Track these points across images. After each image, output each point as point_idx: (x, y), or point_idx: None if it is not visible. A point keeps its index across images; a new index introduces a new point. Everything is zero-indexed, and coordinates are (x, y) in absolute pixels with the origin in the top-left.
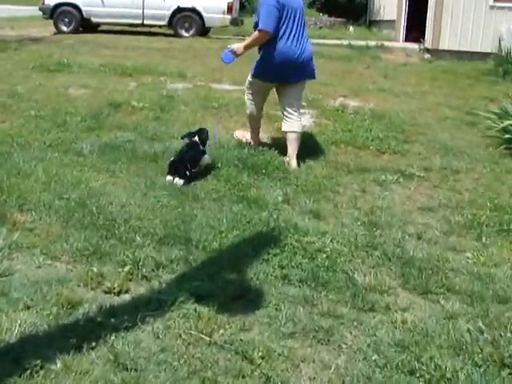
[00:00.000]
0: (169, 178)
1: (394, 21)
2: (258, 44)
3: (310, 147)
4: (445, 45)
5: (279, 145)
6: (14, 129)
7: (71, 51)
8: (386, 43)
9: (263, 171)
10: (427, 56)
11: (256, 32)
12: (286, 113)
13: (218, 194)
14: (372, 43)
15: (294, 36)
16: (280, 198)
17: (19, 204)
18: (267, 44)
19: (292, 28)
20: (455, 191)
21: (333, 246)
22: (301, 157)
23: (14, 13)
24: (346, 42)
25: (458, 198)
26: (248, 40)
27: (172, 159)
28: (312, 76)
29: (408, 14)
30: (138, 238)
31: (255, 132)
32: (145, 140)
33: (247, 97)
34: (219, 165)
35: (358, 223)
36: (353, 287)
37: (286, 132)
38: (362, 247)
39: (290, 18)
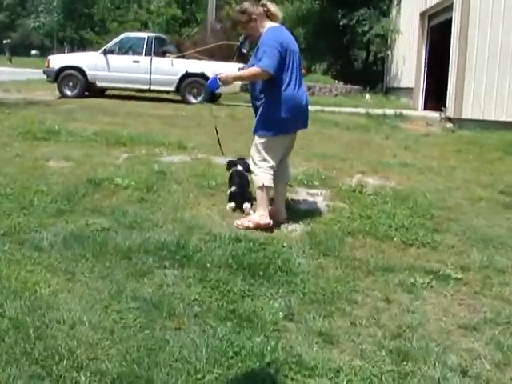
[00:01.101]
0: (231, 205)
1: (411, 88)
2: (251, 80)
3: (321, 240)
4: (468, 113)
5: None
6: None
7: (67, 117)
8: (405, 111)
9: (262, 273)
10: (449, 125)
11: (255, 68)
12: (282, 165)
13: (202, 307)
14: (390, 112)
15: (297, 81)
16: (281, 314)
17: None
18: (273, 93)
19: (295, 73)
20: (503, 300)
21: None
22: (310, 253)
23: (30, 75)
24: (362, 111)
25: (508, 311)
26: (242, 72)
27: (234, 190)
28: (307, 124)
29: (427, 81)
30: (83, 377)
31: (267, 208)
32: (121, 228)
33: (263, 169)
34: (208, 265)
35: (383, 352)
36: None
37: (279, 184)
38: None
39: (292, 62)
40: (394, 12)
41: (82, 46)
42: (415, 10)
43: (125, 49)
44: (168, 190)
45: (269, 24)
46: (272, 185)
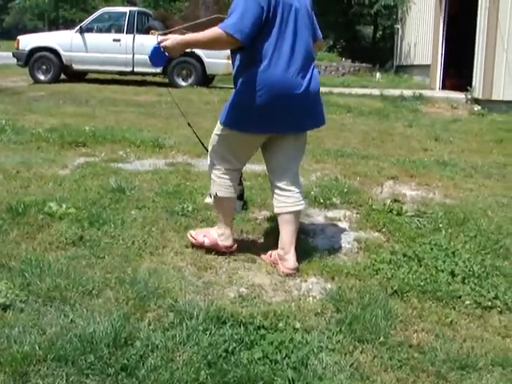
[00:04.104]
0: None
1: (425, 66)
2: (211, 47)
3: (355, 312)
4: (499, 94)
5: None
6: None
7: (25, 107)
8: (424, 92)
9: None
10: (477, 108)
11: (215, 28)
12: (280, 184)
13: None
14: (408, 92)
15: (294, 57)
16: None
17: None
18: (247, 72)
19: (292, 43)
20: None
21: None
22: (339, 341)
23: (13, 60)
24: (375, 92)
25: None
26: (198, 35)
27: None
28: (321, 121)
29: (445, 57)
30: None
31: (228, 226)
32: (30, 303)
33: (218, 171)
34: None
35: None
36: None
37: (279, 214)
38: None
39: (286, 26)
40: None
41: (74, 27)
42: None
43: (104, 26)
44: (122, 220)
45: None
46: (233, 195)
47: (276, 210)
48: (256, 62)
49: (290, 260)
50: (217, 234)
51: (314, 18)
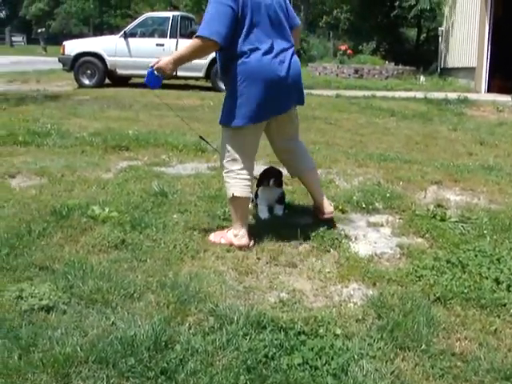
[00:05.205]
0: None
1: (471, 68)
2: (196, 56)
3: (396, 319)
4: None
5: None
6: None
7: (70, 111)
8: (469, 95)
9: None
10: None
11: (194, 39)
12: (295, 149)
13: None
14: (452, 95)
15: (271, 45)
16: None
17: None
18: (232, 67)
19: (266, 33)
20: None
21: None
22: (380, 348)
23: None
24: (419, 95)
25: None
26: (181, 50)
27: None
28: (303, 100)
29: (490, 59)
30: None
31: (243, 226)
32: (72, 305)
33: (232, 173)
34: None
35: None
36: None
37: (304, 172)
38: None
39: (258, 20)
40: None
41: (118, 32)
42: None
43: (147, 31)
44: (164, 224)
45: None
46: (248, 195)
47: (298, 172)
48: (235, 58)
49: (328, 205)
50: (232, 235)
51: (290, 7)
